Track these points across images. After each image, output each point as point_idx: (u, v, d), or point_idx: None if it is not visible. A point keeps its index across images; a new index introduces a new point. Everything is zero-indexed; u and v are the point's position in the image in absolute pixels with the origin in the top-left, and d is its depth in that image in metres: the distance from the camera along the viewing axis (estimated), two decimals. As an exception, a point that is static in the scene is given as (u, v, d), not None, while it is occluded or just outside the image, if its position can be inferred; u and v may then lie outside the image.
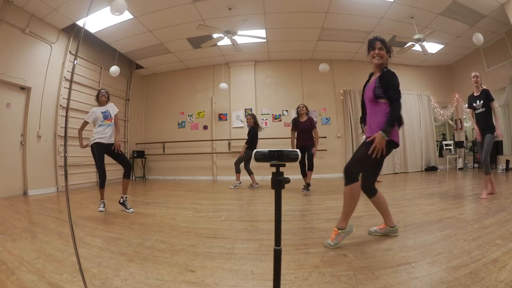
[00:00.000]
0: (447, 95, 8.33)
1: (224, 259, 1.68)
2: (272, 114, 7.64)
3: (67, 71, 5.54)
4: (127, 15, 5.09)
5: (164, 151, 7.99)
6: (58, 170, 5.34)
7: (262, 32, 6.06)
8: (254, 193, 4.64)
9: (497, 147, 6.93)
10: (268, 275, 1.41)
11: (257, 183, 5.37)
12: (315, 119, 4.91)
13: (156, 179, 7.93)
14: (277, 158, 0.87)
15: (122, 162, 3.42)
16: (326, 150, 7.12)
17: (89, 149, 3.48)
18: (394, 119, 1.83)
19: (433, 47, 6.90)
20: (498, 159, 6.88)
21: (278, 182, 0.87)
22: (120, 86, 7.49)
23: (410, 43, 5.69)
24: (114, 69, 6.13)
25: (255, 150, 0.92)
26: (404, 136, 7.68)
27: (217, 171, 7.66)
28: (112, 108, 3.54)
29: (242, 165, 5.39)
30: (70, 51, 5.60)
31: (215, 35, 5.49)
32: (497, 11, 5.20)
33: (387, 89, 1.87)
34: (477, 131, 3.53)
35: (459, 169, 7.89)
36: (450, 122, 8.73)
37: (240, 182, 5.37)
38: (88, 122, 3.50)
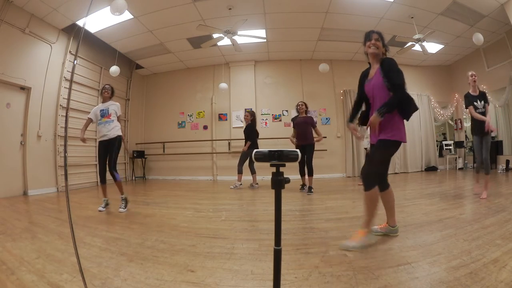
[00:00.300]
0: (447, 95, 8.33)
1: (224, 259, 1.68)
2: (272, 114, 7.65)
3: (67, 71, 5.54)
4: (127, 15, 5.09)
5: (164, 151, 7.99)
6: (58, 170, 5.34)
7: (262, 32, 6.06)
8: (254, 193, 4.64)
9: (497, 147, 6.93)
10: (268, 275, 1.41)
11: (257, 183, 5.38)
12: (315, 119, 4.92)
13: (156, 179, 7.93)
14: (277, 158, 0.87)
15: (108, 161, 3.39)
16: (326, 150, 7.12)
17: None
18: (394, 104, 1.79)
19: (433, 47, 6.90)
20: (498, 159, 6.88)
21: (278, 182, 0.87)
22: (120, 86, 7.49)
23: (410, 43, 5.69)
24: (114, 69, 6.13)
25: (255, 150, 0.92)
26: (404, 136, 7.68)
27: (217, 171, 7.66)
28: (115, 107, 3.50)
29: (246, 164, 5.36)
30: (70, 51, 5.60)
31: (215, 35, 5.49)
32: (497, 11, 5.20)
33: (389, 73, 1.84)
34: (488, 121, 3.41)
35: (459, 169, 7.88)
36: (450, 122, 8.74)
37: (241, 184, 5.35)
38: (91, 119, 3.51)
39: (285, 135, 5.14)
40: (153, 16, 5.31)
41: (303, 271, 1.47)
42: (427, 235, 2.00)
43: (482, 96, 3.52)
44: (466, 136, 8.26)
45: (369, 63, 2.06)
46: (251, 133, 5.27)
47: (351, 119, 2.15)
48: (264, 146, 7.01)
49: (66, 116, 5.36)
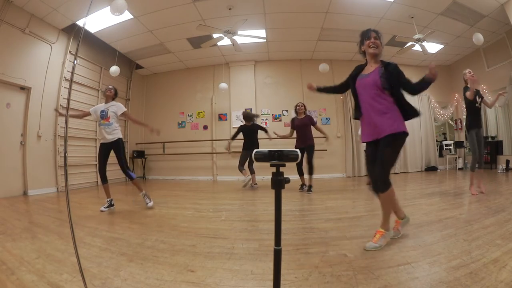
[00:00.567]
0: (447, 95, 8.32)
1: (224, 259, 1.68)
2: (272, 114, 7.65)
3: (67, 71, 5.54)
4: (127, 15, 5.08)
5: (164, 151, 7.99)
6: (58, 170, 5.34)
7: (262, 32, 6.06)
8: (254, 193, 4.64)
9: (497, 147, 6.93)
10: (268, 275, 1.41)
11: (256, 183, 5.36)
12: (315, 119, 4.94)
13: (156, 179, 7.93)
14: (277, 158, 0.88)
15: (120, 166, 3.47)
16: (326, 150, 7.11)
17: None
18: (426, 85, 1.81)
19: (433, 47, 6.90)
20: (498, 159, 6.88)
21: (278, 182, 0.87)
22: (120, 86, 7.48)
23: (410, 43, 5.69)
24: (114, 69, 6.13)
25: (255, 150, 0.92)
26: (404, 136, 7.69)
27: (217, 171, 7.66)
28: (116, 108, 3.50)
29: (250, 165, 5.35)
30: (70, 51, 5.60)
31: (215, 35, 5.49)
32: (497, 11, 5.20)
33: (399, 77, 1.85)
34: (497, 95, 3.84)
35: (459, 169, 7.88)
36: (450, 122, 8.74)
37: (256, 183, 5.31)
38: (89, 113, 3.61)
39: (286, 137, 5.14)
40: (153, 16, 5.30)
41: (303, 271, 1.47)
42: (427, 235, 2.00)
43: (478, 92, 3.64)
44: (466, 136, 8.26)
45: (366, 60, 2.04)
46: (244, 135, 5.29)
47: (322, 88, 2.29)
48: (264, 146, 7.02)
49: (66, 116, 5.35)
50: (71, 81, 1.56)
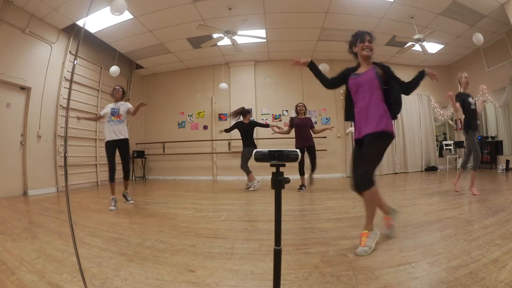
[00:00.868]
0: (447, 95, 8.31)
1: (224, 259, 1.68)
2: (272, 114, 7.64)
3: (67, 71, 5.54)
4: (127, 15, 5.08)
5: (164, 151, 7.99)
6: (58, 170, 5.34)
7: (262, 32, 6.06)
8: (254, 193, 4.64)
9: (497, 147, 6.93)
10: (268, 275, 1.41)
11: (255, 184, 5.24)
12: (314, 119, 4.97)
13: (156, 179, 7.93)
14: (277, 158, 0.87)
15: (123, 164, 3.57)
16: (326, 150, 7.12)
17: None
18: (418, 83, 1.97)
19: (433, 47, 6.89)
20: (498, 159, 6.88)
21: (278, 182, 0.87)
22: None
23: (410, 43, 5.69)
24: (114, 69, 6.13)
25: (255, 150, 0.92)
26: (404, 136, 7.69)
27: (217, 171, 7.66)
28: (125, 106, 3.65)
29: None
30: (70, 51, 5.59)
31: (215, 35, 5.49)
32: (497, 11, 5.20)
33: (394, 80, 1.93)
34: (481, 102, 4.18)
35: (459, 169, 7.87)
36: (450, 122, 8.73)
37: (259, 182, 5.06)
38: (101, 115, 3.70)
39: (285, 135, 5.14)
40: (153, 16, 5.30)
41: (303, 271, 1.47)
42: (427, 235, 2.00)
43: (471, 95, 3.83)
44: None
45: (358, 61, 2.06)
46: (241, 132, 5.20)
47: (315, 66, 2.23)
48: (264, 146, 7.01)
49: (66, 116, 5.35)
50: (71, 81, 1.56)
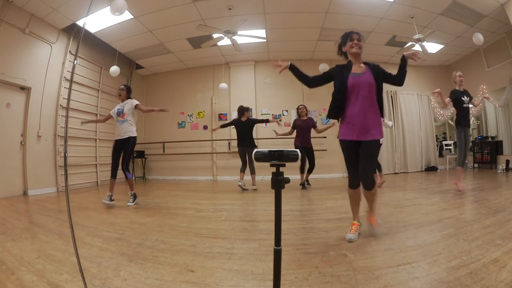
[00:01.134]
0: (447, 95, 8.28)
1: (224, 259, 1.68)
2: (272, 114, 7.64)
3: (67, 71, 5.54)
4: (127, 15, 5.08)
5: (164, 151, 7.99)
6: (58, 170, 5.34)
7: (262, 32, 6.06)
8: (254, 193, 4.64)
9: (497, 147, 6.93)
10: (268, 275, 1.41)
11: (254, 185, 5.09)
12: (314, 120, 5.01)
13: (156, 179, 7.93)
14: (277, 158, 0.88)
15: (121, 162, 3.62)
16: (326, 150, 7.11)
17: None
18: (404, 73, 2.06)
19: (433, 47, 6.90)
20: (498, 159, 6.88)
21: (278, 182, 0.87)
22: (120, 86, 7.49)
23: (410, 43, 5.69)
24: (114, 69, 6.12)
25: (255, 150, 0.92)
26: (404, 136, 7.69)
27: (217, 171, 7.66)
28: (130, 104, 3.70)
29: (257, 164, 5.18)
30: (70, 51, 5.60)
31: (215, 35, 5.49)
32: (497, 11, 5.20)
33: (385, 74, 2.07)
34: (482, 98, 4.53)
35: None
36: (450, 122, 8.72)
37: (254, 185, 4.97)
38: (110, 115, 3.81)
39: (285, 135, 5.15)
40: (153, 16, 5.30)
41: (303, 271, 1.47)
42: (427, 235, 2.00)
43: (466, 92, 3.88)
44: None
45: (348, 60, 2.10)
46: (237, 130, 5.06)
47: (296, 68, 2.13)
48: (264, 146, 7.01)
49: (66, 116, 5.36)
50: (71, 81, 1.56)
